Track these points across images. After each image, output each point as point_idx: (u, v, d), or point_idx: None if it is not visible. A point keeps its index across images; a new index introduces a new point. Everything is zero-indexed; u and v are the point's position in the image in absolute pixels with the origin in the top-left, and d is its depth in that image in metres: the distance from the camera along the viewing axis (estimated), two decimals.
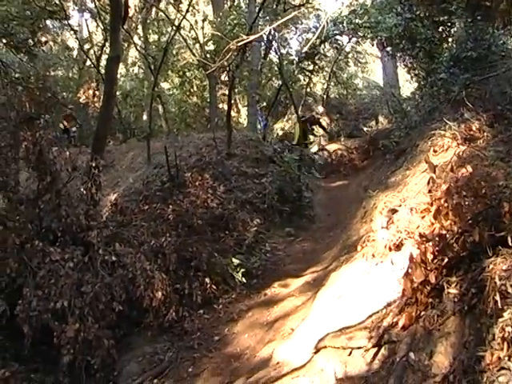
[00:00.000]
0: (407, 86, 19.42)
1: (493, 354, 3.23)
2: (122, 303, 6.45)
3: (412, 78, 14.20)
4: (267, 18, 17.61)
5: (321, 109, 16.00)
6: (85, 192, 7.49)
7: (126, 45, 19.97)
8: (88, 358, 5.97)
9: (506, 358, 3.16)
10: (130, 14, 16.73)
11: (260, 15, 14.10)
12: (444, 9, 9.41)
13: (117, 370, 6.10)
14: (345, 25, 16.49)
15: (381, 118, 19.66)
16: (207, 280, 7.25)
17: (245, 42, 5.69)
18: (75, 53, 22.34)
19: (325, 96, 20.34)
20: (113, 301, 6.41)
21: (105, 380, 5.98)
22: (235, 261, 7.72)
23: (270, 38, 17.73)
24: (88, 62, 20.86)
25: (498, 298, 3.39)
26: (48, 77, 10.67)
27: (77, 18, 24.19)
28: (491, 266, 3.61)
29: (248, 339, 6.05)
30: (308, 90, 20.40)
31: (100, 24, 18.64)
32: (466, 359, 3.40)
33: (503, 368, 3.13)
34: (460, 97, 8.45)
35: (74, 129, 17.67)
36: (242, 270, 7.62)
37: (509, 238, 3.59)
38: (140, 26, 21.68)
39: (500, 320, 3.26)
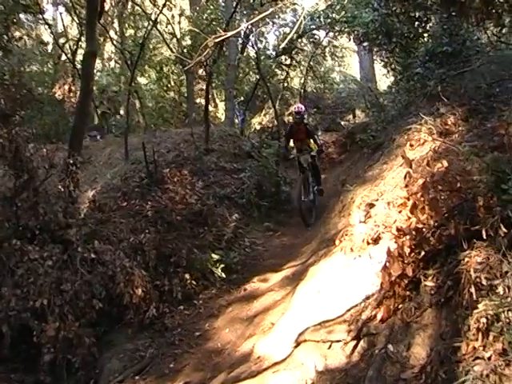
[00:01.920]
0: (384, 80, 19.57)
1: (468, 344, 3.31)
2: (102, 300, 6.43)
3: (388, 72, 14.31)
4: (244, 12, 17.62)
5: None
6: (62, 189, 7.44)
7: (101, 39, 19.77)
8: (69, 356, 5.94)
9: (481, 348, 3.24)
10: (106, 8, 16.52)
11: (237, 10, 14.09)
12: (420, 4, 9.52)
13: (98, 368, 6.08)
14: (321, 19, 16.57)
15: (358, 112, 19.81)
16: (187, 276, 7.26)
17: (222, 38, 5.70)
18: (50, 47, 22.01)
19: (302, 90, 20.39)
20: (93, 298, 6.39)
21: (86, 378, 5.96)
22: (215, 256, 7.74)
23: (247, 32, 17.72)
24: (63, 57, 20.58)
25: (473, 290, 3.47)
26: (23, 73, 10.50)
27: (51, 12, 23.84)
28: (466, 259, 3.69)
29: (229, 334, 6.09)
30: (285, 84, 20.45)
31: (75, 18, 18.38)
32: (443, 350, 3.48)
33: (478, 358, 3.21)
34: (436, 91, 8.55)
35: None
36: (222, 265, 7.66)
37: (483, 232, 3.66)
38: (116, 21, 21.44)
39: (475, 311, 3.34)
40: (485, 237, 3.67)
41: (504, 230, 3.53)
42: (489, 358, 3.15)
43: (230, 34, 5.84)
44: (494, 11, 4.12)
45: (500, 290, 3.32)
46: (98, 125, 18.06)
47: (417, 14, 10.50)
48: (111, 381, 5.76)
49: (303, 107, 11.03)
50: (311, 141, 10.70)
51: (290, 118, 19.85)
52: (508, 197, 3.53)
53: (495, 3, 4.09)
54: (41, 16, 17.88)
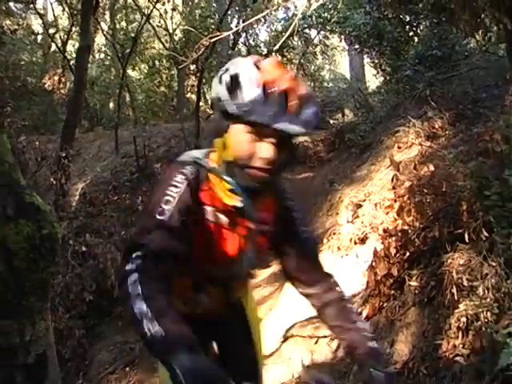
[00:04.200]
0: (373, 80, 19.65)
1: (449, 342, 3.48)
2: (93, 293, 6.54)
3: (378, 72, 14.43)
4: (236, 8, 17.65)
5: None
6: (54, 182, 7.49)
7: (93, 30, 19.68)
8: (59, 347, 6.03)
9: (461, 346, 3.41)
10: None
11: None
12: (411, 9, 9.66)
13: (88, 359, 6.18)
14: (313, 18, 16.66)
15: (347, 111, 19.85)
16: None
17: (217, 38, 5.81)
18: (40, 37, 21.88)
19: None
20: (83, 291, 6.50)
21: (76, 369, 6.05)
22: None
23: (239, 29, 17.76)
24: (53, 47, 20.46)
25: (454, 290, 3.63)
26: (17, 65, 10.48)
27: (41, 1, 23.71)
28: (449, 261, 3.85)
29: None
30: None
31: (66, 8, 18.28)
32: (425, 347, 3.65)
33: (458, 355, 3.38)
34: (424, 94, 8.68)
35: None
36: None
37: (466, 235, 3.82)
38: (107, 13, 21.36)
39: (456, 311, 3.50)
40: (467, 240, 3.82)
41: (485, 234, 3.69)
42: (468, 356, 3.31)
43: (224, 34, 5.97)
44: (482, 23, 4.30)
45: (480, 291, 3.48)
46: None
47: (408, 19, 10.65)
48: (101, 372, 5.86)
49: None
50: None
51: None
52: (490, 202, 3.68)
53: (483, 17, 4.26)
54: (32, 5, 17.77)
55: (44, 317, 2.68)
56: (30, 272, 2.58)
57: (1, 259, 2.50)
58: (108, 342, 6.38)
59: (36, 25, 22.24)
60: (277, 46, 14.53)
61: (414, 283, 4.14)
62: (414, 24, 10.97)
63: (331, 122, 19.06)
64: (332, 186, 8.97)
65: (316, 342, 4.55)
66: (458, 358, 3.34)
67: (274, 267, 7.44)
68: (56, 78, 19.52)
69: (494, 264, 3.51)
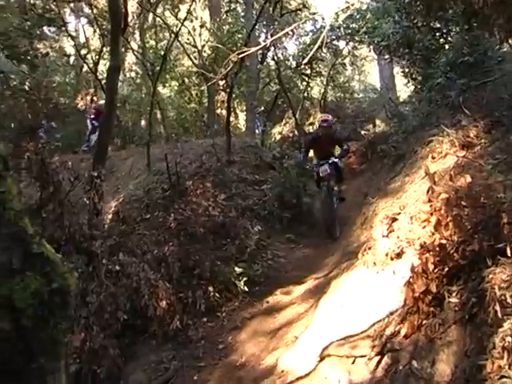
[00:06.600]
0: (404, 89, 19.42)
1: (493, 362, 3.31)
2: (127, 312, 6.54)
3: (409, 81, 14.28)
4: (264, 22, 17.72)
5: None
6: (87, 201, 7.55)
7: (123, 50, 20.01)
8: (94, 367, 6.04)
9: (507, 367, 3.24)
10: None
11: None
12: (441, 16, 9.52)
13: (123, 379, 6.16)
14: (342, 30, 16.62)
15: (378, 122, 19.70)
16: (210, 288, 7.31)
17: (245, 54, 5.78)
18: (72, 58, 22.38)
19: (322, 100, 20.39)
20: (117, 310, 6.50)
21: None
22: (237, 269, 7.75)
23: (268, 43, 17.81)
24: (85, 68, 20.88)
25: (497, 307, 3.47)
26: (50, 88, 10.67)
27: (73, 24, 24.26)
28: (491, 276, 3.69)
29: (252, 347, 6.12)
30: (306, 94, 20.45)
31: (97, 29, 18.64)
32: (468, 367, 3.49)
33: (504, 376, 3.21)
34: (457, 102, 8.51)
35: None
36: (245, 278, 7.65)
37: (508, 249, 3.67)
38: (137, 32, 21.73)
39: (500, 330, 3.34)
40: (509, 254, 3.67)
41: None
42: None
43: (253, 49, 5.91)
44: None
45: None
46: None
47: (438, 26, 10.49)
48: None
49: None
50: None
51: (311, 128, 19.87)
52: None
53: None
54: (64, 28, 18.14)
55: (57, 377, 2.54)
56: (39, 330, 2.45)
57: (6, 318, 2.35)
58: (142, 361, 6.35)
59: (68, 47, 22.76)
60: (306, 60, 14.46)
61: (454, 300, 3.98)
62: (445, 31, 10.81)
63: (363, 132, 18.93)
64: (366, 198, 8.84)
65: (353, 362, 4.43)
66: (504, 380, 3.18)
67: (309, 283, 7.40)
68: (88, 97, 19.89)
69: None
